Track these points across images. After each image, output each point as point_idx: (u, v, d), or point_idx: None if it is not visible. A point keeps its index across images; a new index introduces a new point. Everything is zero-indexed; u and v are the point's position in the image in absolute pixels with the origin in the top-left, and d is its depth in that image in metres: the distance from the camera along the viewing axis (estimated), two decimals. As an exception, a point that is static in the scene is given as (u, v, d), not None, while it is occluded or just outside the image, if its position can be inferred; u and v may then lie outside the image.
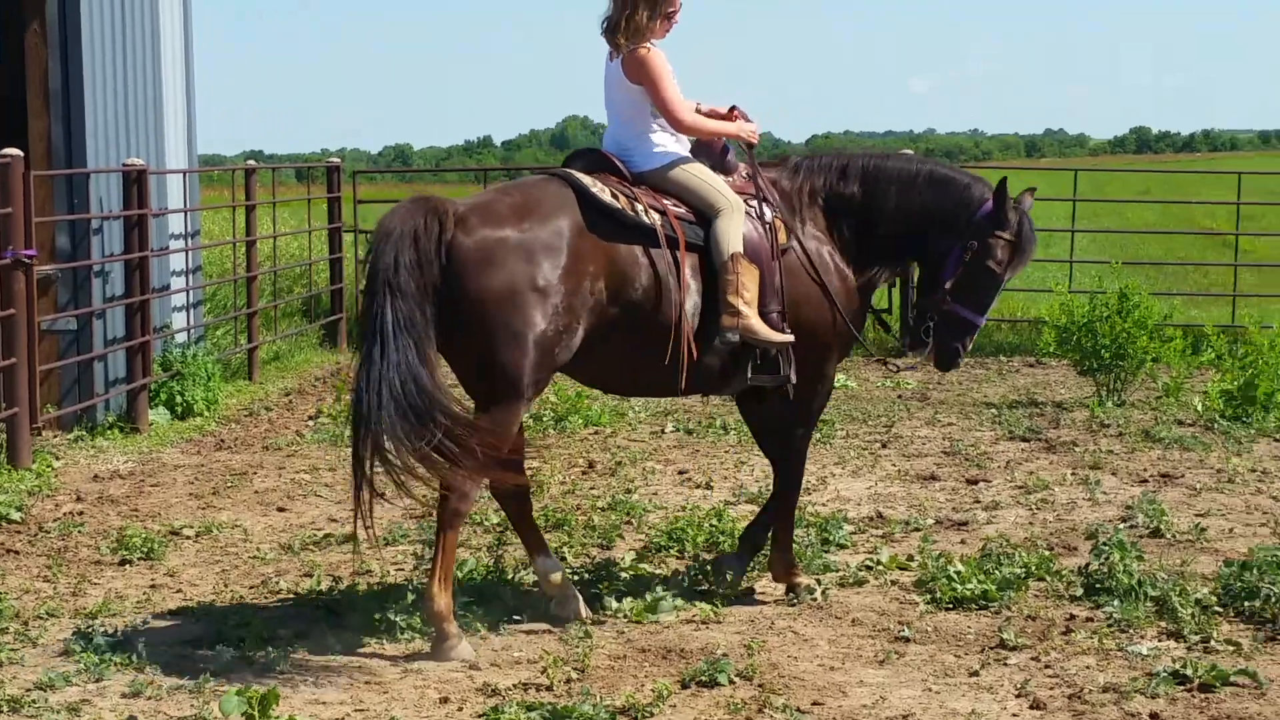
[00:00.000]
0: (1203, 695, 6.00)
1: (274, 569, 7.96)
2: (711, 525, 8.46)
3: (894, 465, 10.62)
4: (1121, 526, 8.42)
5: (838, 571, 7.80)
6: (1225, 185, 19.59)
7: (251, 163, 16.09)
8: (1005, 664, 6.43)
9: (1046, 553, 7.97)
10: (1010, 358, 16.30)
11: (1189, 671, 6.11)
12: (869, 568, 7.86)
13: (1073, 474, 10.20)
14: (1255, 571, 7.09)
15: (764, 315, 6.89)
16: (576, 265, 6.55)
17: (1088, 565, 7.51)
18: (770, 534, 7.51)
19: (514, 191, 6.79)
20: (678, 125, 7.08)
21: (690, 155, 7.16)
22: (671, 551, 8.19)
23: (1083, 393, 13.62)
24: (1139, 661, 6.40)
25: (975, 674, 6.32)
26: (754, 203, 7.09)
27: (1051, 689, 6.11)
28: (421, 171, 56.02)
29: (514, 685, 6.12)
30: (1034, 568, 7.57)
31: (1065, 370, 14.85)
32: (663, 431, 11.95)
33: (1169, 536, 8.44)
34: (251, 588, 7.62)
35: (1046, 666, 6.38)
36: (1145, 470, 10.33)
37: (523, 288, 6.42)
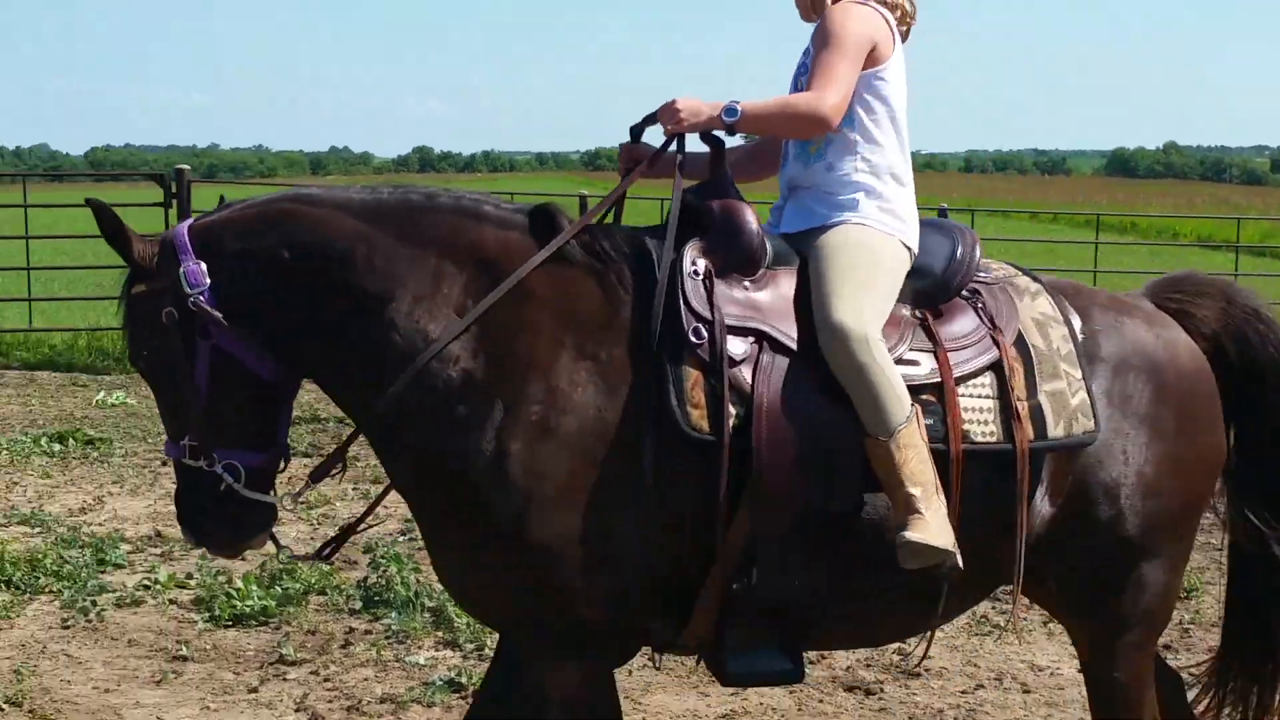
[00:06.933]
0: (476, 700, 6.27)
1: None
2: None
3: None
4: (400, 539, 8.63)
5: (114, 592, 7.57)
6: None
7: None
8: (285, 679, 6.46)
9: (326, 567, 8.05)
10: None
11: (464, 679, 6.35)
12: (147, 587, 7.67)
13: (354, 489, 10.35)
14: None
15: None
16: None
17: (366, 579, 7.66)
18: None
19: None
20: None
21: None
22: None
23: None
24: (416, 671, 6.59)
25: (254, 690, 6.32)
26: None
27: (330, 701, 6.20)
28: None
29: None
30: (314, 582, 7.63)
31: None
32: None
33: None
34: None
35: (326, 680, 6.46)
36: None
37: None
